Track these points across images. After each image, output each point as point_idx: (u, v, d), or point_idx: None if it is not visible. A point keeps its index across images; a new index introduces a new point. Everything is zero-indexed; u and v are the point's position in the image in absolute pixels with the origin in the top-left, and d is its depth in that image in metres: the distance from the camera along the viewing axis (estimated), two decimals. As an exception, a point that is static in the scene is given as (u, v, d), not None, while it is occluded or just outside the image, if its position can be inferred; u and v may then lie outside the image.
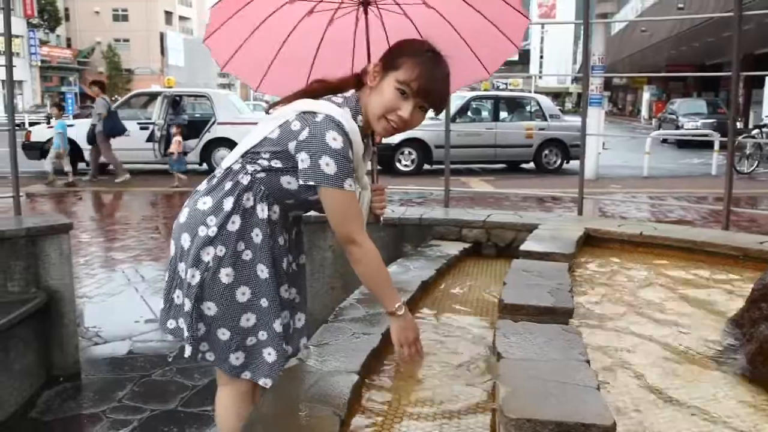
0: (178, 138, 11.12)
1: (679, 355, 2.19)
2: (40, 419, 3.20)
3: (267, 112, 1.90)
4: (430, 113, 1.88)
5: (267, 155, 1.78)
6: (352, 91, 1.84)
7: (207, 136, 12.44)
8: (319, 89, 1.84)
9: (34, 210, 8.69)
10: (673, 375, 2.04)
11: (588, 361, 1.78)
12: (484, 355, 2.18)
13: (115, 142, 12.50)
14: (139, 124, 12.73)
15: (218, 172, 1.89)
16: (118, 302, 5.00)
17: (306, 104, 1.76)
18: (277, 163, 1.78)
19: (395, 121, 1.78)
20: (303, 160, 1.71)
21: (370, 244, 1.79)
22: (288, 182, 1.80)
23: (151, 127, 12.58)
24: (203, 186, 1.91)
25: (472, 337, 2.38)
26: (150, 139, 12.52)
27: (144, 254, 6.27)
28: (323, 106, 1.75)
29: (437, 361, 2.15)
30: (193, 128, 13.19)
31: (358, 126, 1.81)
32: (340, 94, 1.83)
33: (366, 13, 2.15)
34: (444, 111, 4.90)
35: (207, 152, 12.38)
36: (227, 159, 1.89)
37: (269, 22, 2.14)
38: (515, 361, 1.78)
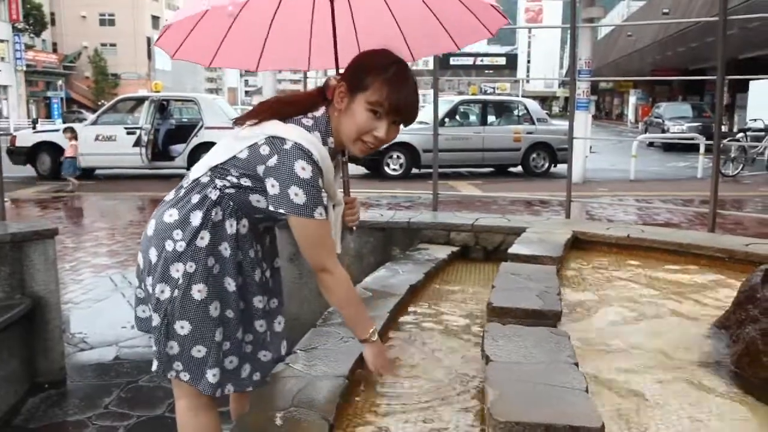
0: (74, 142, 11.16)
1: (665, 357, 2.20)
2: (24, 427, 3.16)
3: (233, 126, 1.86)
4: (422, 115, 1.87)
5: (236, 173, 1.75)
6: (322, 111, 1.79)
7: (194, 141, 12.40)
8: (286, 109, 1.78)
9: (19, 215, 8.61)
10: (660, 377, 2.05)
11: (576, 364, 1.79)
12: (472, 359, 2.18)
13: (102, 147, 12.44)
14: (125, 128, 12.68)
15: (185, 183, 1.85)
16: (105, 308, 4.96)
17: (275, 128, 1.72)
18: (246, 182, 1.75)
19: (371, 141, 1.76)
20: (273, 186, 1.68)
21: (342, 272, 1.78)
22: (257, 200, 1.77)
23: (137, 131, 12.53)
24: (170, 196, 1.86)
25: (461, 341, 2.38)
26: (137, 143, 12.46)
27: (131, 259, 6.21)
28: (292, 132, 1.70)
29: (426, 364, 2.15)
30: (181, 133, 13.17)
31: (330, 147, 1.78)
32: (310, 115, 1.77)
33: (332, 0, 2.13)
34: (433, 115, 4.93)
35: (195, 157, 12.35)
36: (195, 170, 1.84)
37: (217, 3, 2.13)
38: (504, 364, 1.78)
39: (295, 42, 2.36)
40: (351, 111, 1.74)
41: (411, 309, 2.72)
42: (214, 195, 1.79)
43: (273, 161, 1.68)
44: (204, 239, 1.78)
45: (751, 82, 19.18)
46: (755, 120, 15.85)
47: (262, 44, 2.31)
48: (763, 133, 14.37)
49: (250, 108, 2.01)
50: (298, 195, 1.66)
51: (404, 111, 1.75)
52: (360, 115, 1.72)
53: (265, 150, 1.71)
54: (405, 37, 2.31)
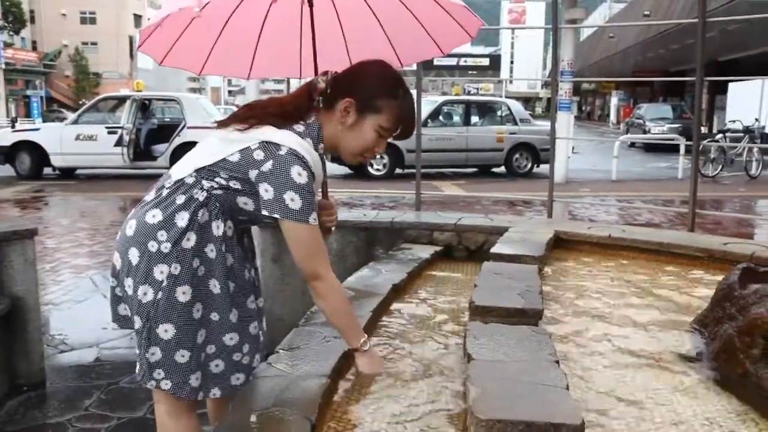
0: None
1: (645, 355, 2.23)
2: (2, 430, 3.12)
3: (216, 128, 1.85)
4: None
5: (225, 175, 1.75)
6: (313, 118, 1.81)
7: (177, 141, 12.30)
8: (277, 115, 1.79)
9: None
10: (639, 374, 2.08)
11: (557, 362, 1.80)
12: (455, 358, 2.19)
13: (83, 146, 12.32)
14: (107, 128, 12.55)
15: (167, 183, 1.83)
16: (85, 309, 4.91)
17: (269, 133, 1.73)
18: (235, 185, 1.75)
19: (369, 155, 1.87)
20: (267, 190, 1.68)
21: (335, 279, 1.79)
22: (245, 203, 1.77)
23: (119, 131, 12.41)
24: (151, 197, 1.84)
25: (443, 340, 2.39)
26: (118, 143, 12.35)
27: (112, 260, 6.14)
28: (286, 138, 1.72)
29: (408, 364, 2.15)
30: (163, 132, 13.06)
31: (319, 153, 1.80)
32: (301, 122, 1.79)
33: (311, 4, 2.15)
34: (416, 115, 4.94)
35: (177, 156, 12.24)
36: (177, 170, 1.83)
37: (207, 11, 2.14)
38: (485, 363, 1.79)
39: (286, 50, 2.38)
40: (359, 129, 1.81)
41: (394, 308, 2.73)
42: (201, 196, 1.77)
43: (268, 166, 1.69)
44: (190, 240, 1.76)
45: (730, 84, 19.45)
46: (734, 121, 16.06)
47: (252, 52, 2.33)
48: (741, 135, 14.57)
49: (234, 108, 2.01)
50: (294, 200, 1.67)
51: (409, 134, 1.88)
52: (369, 135, 1.81)
53: (259, 155, 1.71)
54: (393, 45, 2.34)
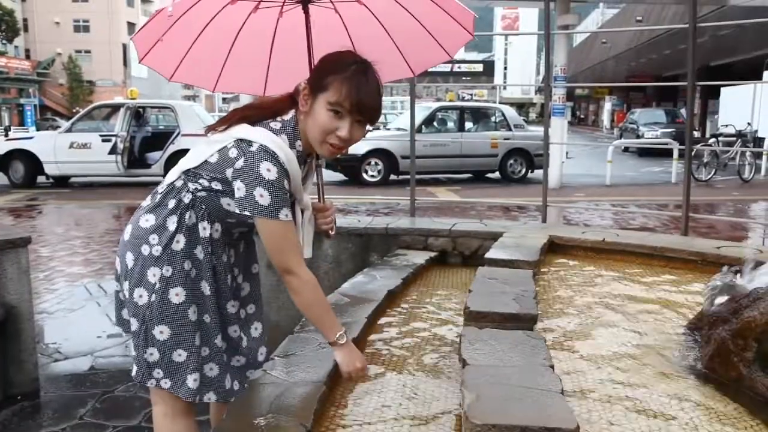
0: None
1: (637, 360, 2.23)
2: (-3, 440, 3.10)
3: (206, 133, 1.86)
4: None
5: (207, 177, 1.77)
6: (291, 114, 1.80)
7: (171, 148, 12.29)
8: (255, 113, 1.80)
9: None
10: (633, 379, 2.08)
11: (552, 366, 1.80)
12: (449, 363, 2.19)
13: (77, 154, 12.29)
14: (101, 136, 12.53)
15: (161, 188, 1.86)
16: (80, 317, 4.89)
17: (243, 131, 1.73)
18: (217, 185, 1.76)
19: (336, 142, 1.74)
20: (239, 188, 1.69)
21: (309, 275, 1.77)
22: (228, 204, 1.78)
23: (113, 139, 12.40)
24: (147, 202, 1.88)
25: (438, 345, 2.39)
26: (113, 151, 12.33)
27: (106, 268, 6.13)
28: (259, 135, 1.71)
29: (404, 369, 2.15)
30: (157, 140, 13.05)
31: (298, 151, 1.78)
32: (279, 118, 1.79)
33: (306, 12, 2.15)
34: (410, 121, 4.95)
35: (171, 164, 12.21)
36: (170, 174, 1.86)
37: (213, 26, 2.15)
38: (480, 368, 1.79)
39: (255, 65, 2.36)
40: (313, 111, 1.74)
41: (389, 314, 2.73)
42: (187, 198, 1.81)
43: (240, 163, 1.70)
44: (180, 242, 1.79)
45: (722, 89, 19.56)
46: (727, 126, 16.14)
47: (222, 64, 2.31)
48: (734, 139, 14.65)
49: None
50: (263, 196, 1.66)
51: (365, 109, 1.73)
52: (321, 116, 1.72)
53: (233, 153, 1.72)
54: (404, 55, 2.33)
